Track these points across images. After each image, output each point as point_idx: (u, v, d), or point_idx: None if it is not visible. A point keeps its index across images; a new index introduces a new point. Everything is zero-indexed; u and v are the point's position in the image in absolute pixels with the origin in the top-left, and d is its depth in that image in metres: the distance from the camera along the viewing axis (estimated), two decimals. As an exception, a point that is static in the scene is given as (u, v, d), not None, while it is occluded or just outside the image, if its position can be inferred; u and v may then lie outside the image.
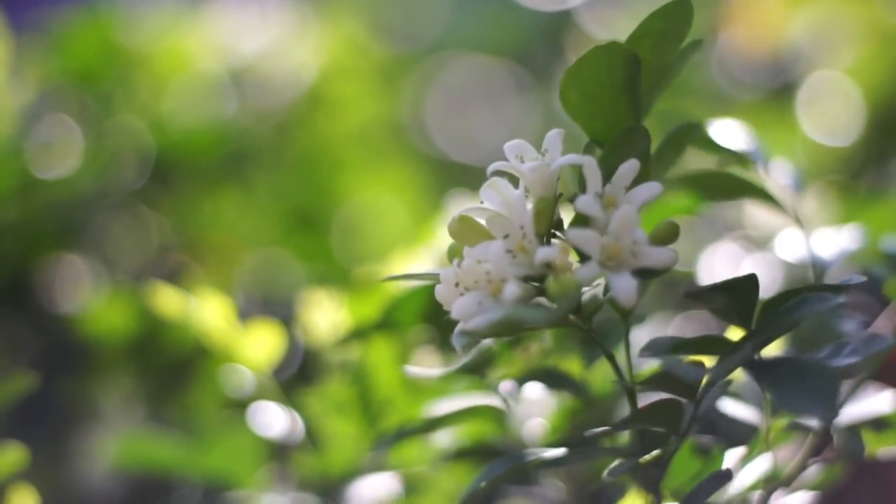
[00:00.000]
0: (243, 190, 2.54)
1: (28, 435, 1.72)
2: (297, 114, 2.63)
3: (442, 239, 1.39)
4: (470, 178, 3.08)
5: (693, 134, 1.01)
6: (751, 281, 0.89)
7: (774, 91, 2.64)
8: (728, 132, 1.15)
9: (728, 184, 1.14)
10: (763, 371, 0.88)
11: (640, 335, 1.12)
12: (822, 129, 2.37)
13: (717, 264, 1.53)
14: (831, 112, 2.44)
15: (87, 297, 2.08)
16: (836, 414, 0.85)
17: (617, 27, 3.04)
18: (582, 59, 0.93)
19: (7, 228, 2.27)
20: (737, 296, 0.89)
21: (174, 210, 2.47)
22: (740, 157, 1.14)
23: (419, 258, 1.37)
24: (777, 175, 1.16)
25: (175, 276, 2.34)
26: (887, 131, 2.39)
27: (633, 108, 0.94)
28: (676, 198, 1.15)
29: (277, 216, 2.57)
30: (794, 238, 1.19)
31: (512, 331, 0.91)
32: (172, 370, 2.04)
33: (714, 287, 0.89)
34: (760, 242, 1.50)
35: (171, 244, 2.47)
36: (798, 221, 1.15)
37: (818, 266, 1.16)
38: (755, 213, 1.53)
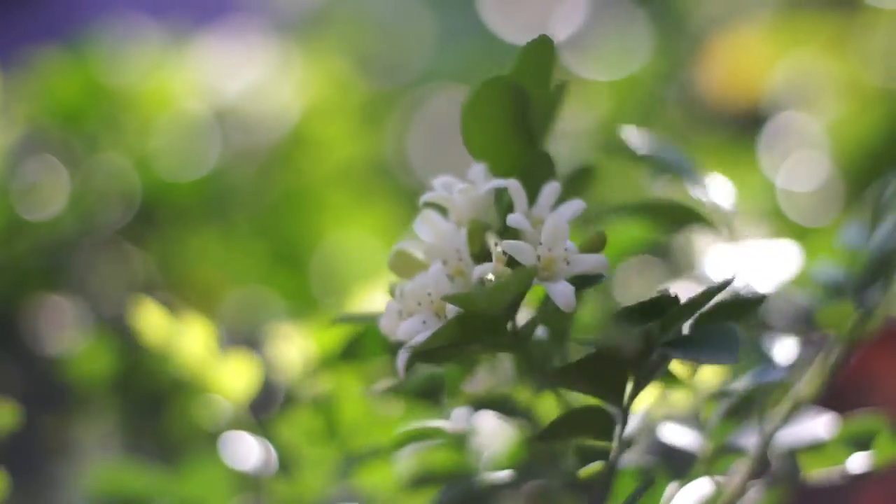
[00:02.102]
0: (226, 229, 2.57)
1: (9, 471, 1.74)
2: (279, 153, 2.67)
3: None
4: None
5: (587, 180, 1.06)
6: (669, 298, 0.92)
7: (742, 133, 2.67)
8: (656, 144, 1.18)
9: (667, 208, 1.17)
10: (675, 343, 0.92)
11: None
12: (787, 174, 2.40)
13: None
14: (798, 157, 2.46)
15: (71, 341, 2.11)
16: (737, 357, 0.88)
17: (598, 62, 3.08)
18: (475, 95, 0.99)
19: (-7, 268, 2.30)
20: (656, 311, 0.92)
21: (158, 248, 2.50)
22: (670, 169, 1.17)
23: (381, 291, 1.40)
24: (713, 194, 1.19)
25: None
26: (857, 186, 2.41)
27: (529, 139, 1.00)
28: (628, 228, 1.19)
29: (259, 255, 2.60)
30: (725, 257, 1.22)
31: (452, 352, 0.94)
32: (151, 404, 2.07)
33: (636, 307, 0.92)
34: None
35: (156, 282, 2.50)
36: (733, 241, 1.18)
37: (748, 289, 1.18)
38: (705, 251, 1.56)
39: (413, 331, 0.91)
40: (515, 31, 3.36)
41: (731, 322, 0.92)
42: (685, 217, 1.17)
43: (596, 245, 0.94)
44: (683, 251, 1.63)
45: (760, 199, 2.28)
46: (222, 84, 2.67)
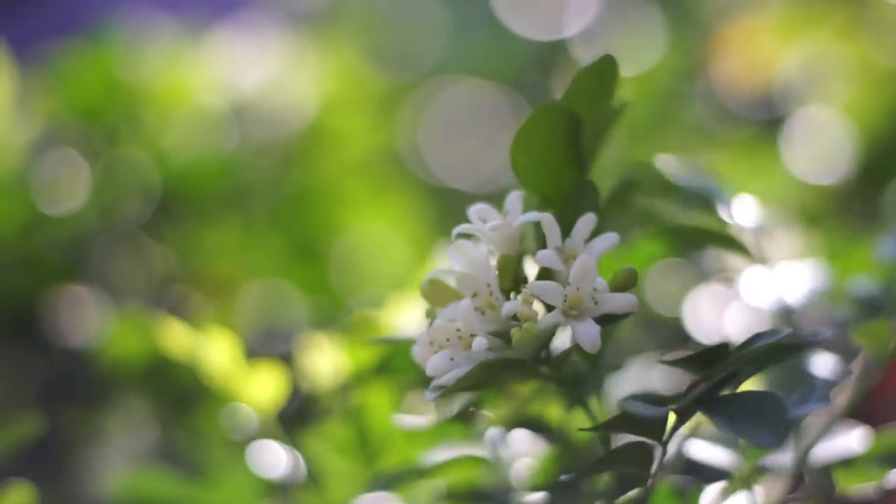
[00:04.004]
0: (245, 222, 2.59)
1: (33, 467, 1.77)
2: (297, 147, 2.68)
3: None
4: (465, 203, 3.12)
5: (630, 193, 1.06)
6: (722, 348, 0.93)
7: (763, 127, 2.68)
8: (689, 173, 1.20)
9: (693, 234, 1.19)
10: (717, 407, 0.92)
11: (623, 382, 1.17)
12: (809, 167, 2.41)
13: (701, 307, 1.57)
14: (820, 149, 2.47)
15: (100, 326, 2.12)
16: (782, 441, 0.89)
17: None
18: (527, 122, 0.99)
19: (14, 263, 2.32)
20: (710, 361, 0.94)
21: (177, 242, 2.51)
22: (702, 200, 1.18)
23: (413, 306, 1.42)
24: (740, 217, 1.20)
25: (178, 307, 2.39)
26: (876, 171, 2.42)
27: (578, 165, 1.00)
28: (646, 245, 1.20)
29: (277, 248, 2.61)
30: (760, 280, 1.24)
31: (483, 383, 0.96)
32: (180, 398, 2.08)
33: (687, 358, 0.93)
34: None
35: (175, 275, 2.51)
36: (763, 263, 1.20)
37: (784, 309, 1.20)
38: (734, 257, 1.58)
39: (441, 367, 0.92)
40: (528, 24, 3.36)
41: (775, 362, 0.92)
42: (716, 241, 1.18)
43: (626, 283, 0.94)
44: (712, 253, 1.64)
45: (784, 195, 2.29)
46: (239, 79, 2.68)
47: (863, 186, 2.42)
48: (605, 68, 1.00)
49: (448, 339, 0.94)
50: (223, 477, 1.46)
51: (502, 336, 0.94)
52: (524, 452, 1.20)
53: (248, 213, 2.60)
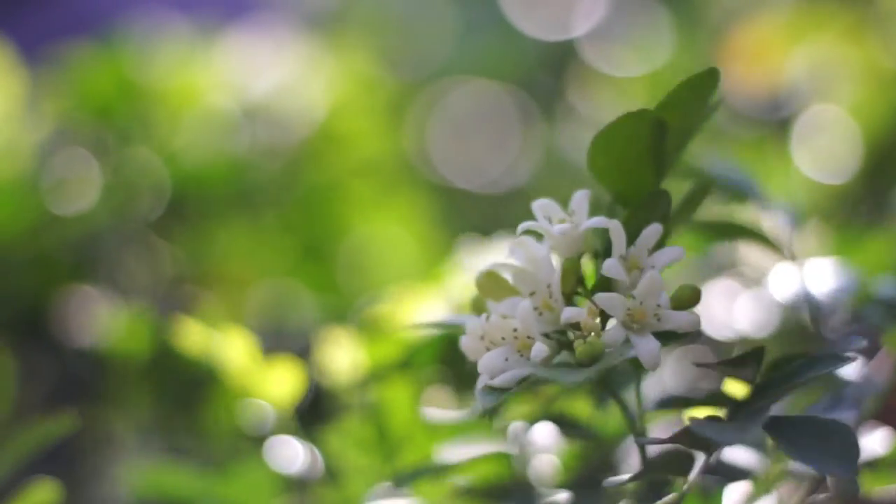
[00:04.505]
0: (254, 222, 2.59)
1: (44, 467, 1.77)
2: (307, 150, 2.68)
3: (454, 282, 1.45)
4: (473, 204, 3.14)
5: (708, 192, 1.06)
6: (757, 353, 0.93)
7: (772, 127, 2.68)
8: (726, 169, 1.20)
9: (728, 227, 1.19)
10: (781, 430, 0.91)
11: (650, 378, 1.17)
12: (818, 166, 2.41)
13: (714, 302, 1.57)
14: (828, 148, 2.48)
15: (108, 324, 2.12)
16: (857, 472, 0.89)
17: (617, 59, 3.09)
18: (611, 125, 0.96)
19: (24, 263, 2.32)
20: (744, 365, 0.94)
21: (187, 242, 2.51)
22: (739, 194, 1.18)
23: (431, 301, 1.42)
24: (773, 213, 1.20)
25: (188, 307, 2.39)
26: (882, 170, 2.43)
27: (657, 171, 0.98)
28: (681, 238, 1.19)
29: (287, 248, 2.62)
30: (789, 277, 1.24)
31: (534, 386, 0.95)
32: (189, 396, 2.08)
33: (724, 363, 0.93)
34: (755, 280, 1.55)
35: (185, 275, 2.52)
36: (793, 260, 1.20)
37: (813, 307, 1.20)
38: (747, 250, 1.58)
39: (495, 367, 0.91)
40: (536, 25, 3.37)
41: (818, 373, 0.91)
42: (748, 236, 1.18)
43: (690, 300, 0.93)
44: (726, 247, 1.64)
45: (796, 194, 2.29)
46: (249, 80, 2.68)
47: (868, 186, 2.43)
48: (706, 82, 0.97)
49: (503, 338, 0.92)
50: (241, 472, 1.46)
51: (554, 338, 0.93)
52: (548, 448, 1.20)
53: (258, 214, 2.61)
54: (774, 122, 2.70)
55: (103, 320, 2.20)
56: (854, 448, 0.87)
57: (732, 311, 1.48)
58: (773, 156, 2.41)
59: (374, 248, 2.70)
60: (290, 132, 2.68)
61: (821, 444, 0.88)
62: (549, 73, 3.36)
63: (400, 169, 2.96)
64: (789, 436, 0.89)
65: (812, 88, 2.68)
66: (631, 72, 2.98)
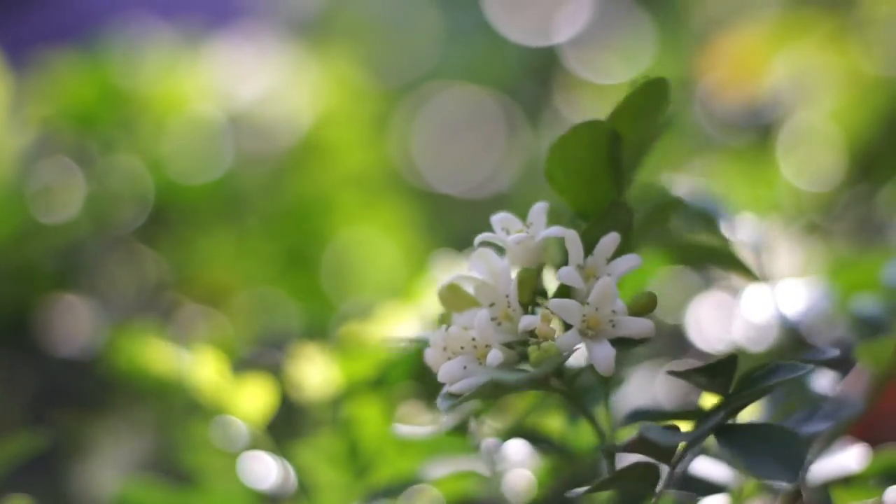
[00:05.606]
0: (238, 231, 2.59)
1: (25, 476, 1.76)
2: (291, 157, 2.68)
3: (428, 298, 1.44)
4: (457, 210, 3.14)
5: (674, 209, 1.05)
6: (730, 360, 0.94)
7: (755, 135, 2.69)
8: (693, 192, 1.19)
9: (695, 251, 1.18)
10: (732, 437, 0.91)
11: (625, 390, 1.17)
12: (801, 173, 2.42)
13: (704, 313, 1.57)
14: (812, 155, 2.48)
15: (96, 336, 2.11)
16: (800, 479, 0.88)
17: (601, 65, 3.09)
18: (565, 137, 0.97)
19: (7, 271, 2.31)
20: (716, 373, 0.94)
21: (171, 250, 2.51)
22: (705, 219, 1.18)
23: (405, 317, 1.42)
24: (742, 234, 1.20)
25: (171, 315, 2.39)
26: (864, 177, 2.43)
27: (615, 182, 0.98)
28: (649, 262, 1.19)
29: (271, 256, 2.61)
30: (761, 298, 1.24)
31: (494, 393, 0.96)
32: (174, 408, 2.08)
33: (695, 370, 0.93)
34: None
35: (168, 283, 2.51)
36: (764, 281, 1.20)
37: (786, 326, 1.20)
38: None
39: (454, 375, 0.92)
40: (520, 31, 3.37)
41: (785, 379, 0.91)
42: (717, 259, 1.18)
43: (645, 307, 0.94)
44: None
45: (781, 202, 2.29)
46: (234, 88, 2.68)
47: (850, 193, 2.43)
48: (656, 91, 0.97)
49: (462, 347, 0.93)
50: (215, 487, 1.46)
51: (516, 349, 0.94)
52: (520, 464, 1.20)
53: (242, 222, 2.60)
54: (757, 128, 2.70)
55: (87, 329, 2.20)
56: (799, 455, 0.87)
57: (722, 324, 1.48)
58: (755, 164, 2.41)
59: (358, 255, 2.70)
60: (274, 140, 2.67)
61: (766, 450, 0.88)
62: (534, 79, 3.36)
63: (384, 175, 2.96)
64: (737, 442, 0.90)
65: (794, 95, 2.68)
66: (614, 78, 2.99)
